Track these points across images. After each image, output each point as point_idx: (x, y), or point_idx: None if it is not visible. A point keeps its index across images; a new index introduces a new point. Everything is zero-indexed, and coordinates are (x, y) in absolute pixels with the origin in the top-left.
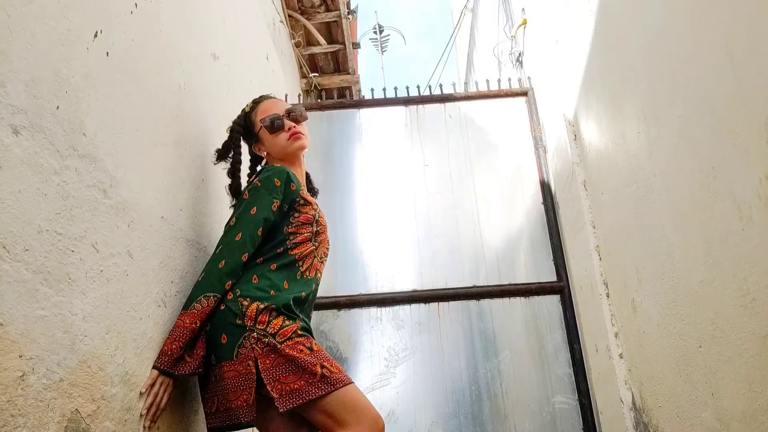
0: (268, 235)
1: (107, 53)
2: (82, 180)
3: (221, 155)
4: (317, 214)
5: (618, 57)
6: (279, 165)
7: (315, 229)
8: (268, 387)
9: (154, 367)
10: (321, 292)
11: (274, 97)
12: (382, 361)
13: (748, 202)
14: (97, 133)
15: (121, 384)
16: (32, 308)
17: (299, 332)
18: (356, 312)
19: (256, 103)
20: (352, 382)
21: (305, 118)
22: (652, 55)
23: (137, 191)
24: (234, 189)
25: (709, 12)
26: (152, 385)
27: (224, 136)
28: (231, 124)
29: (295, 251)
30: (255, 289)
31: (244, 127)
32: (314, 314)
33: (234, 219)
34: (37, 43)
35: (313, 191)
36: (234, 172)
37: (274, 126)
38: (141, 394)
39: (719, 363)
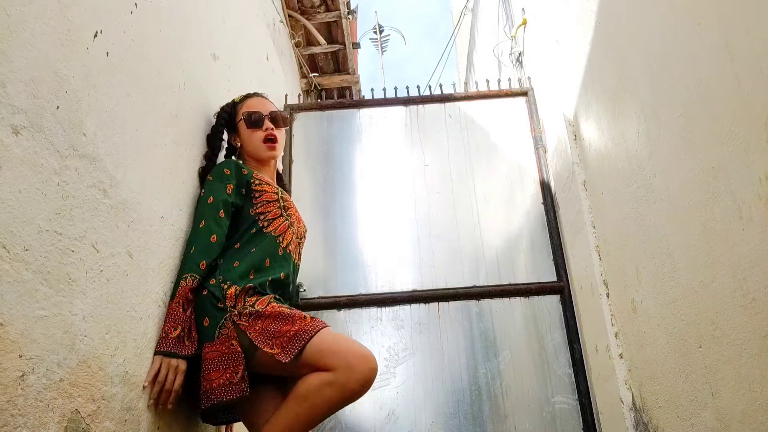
0: (237, 222)
1: (107, 53)
2: (82, 180)
3: (209, 140)
4: (280, 192)
5: (618, 57)
6: (233, 161)
7: (282, 204)
8: (266, 348)
9: (155, 353)
10: (321, 291)
11: (265, 98)
12: (382, 361)
13: (748, 202)
14: (97, 133)
15: (121, 384)
16: (32, 308)
17: (274, 299)
18: (356, 312)
19: (247, 96)
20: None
21: (285, 125)
22: (652, 55)
23: (137, 191)
24: (205, 174)
25: (709, 12)
26: (157, 373)
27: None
28: (219, 109)
29: (270, 228)
30: (236, 273)
31: (229, 114)
32: (314, 314)
33: (196, 213)
34: (37, 43)
35: (284, 188)
36: (210, 157)
37: (252, 121)
38: (143, 388)
39: (719, 363)
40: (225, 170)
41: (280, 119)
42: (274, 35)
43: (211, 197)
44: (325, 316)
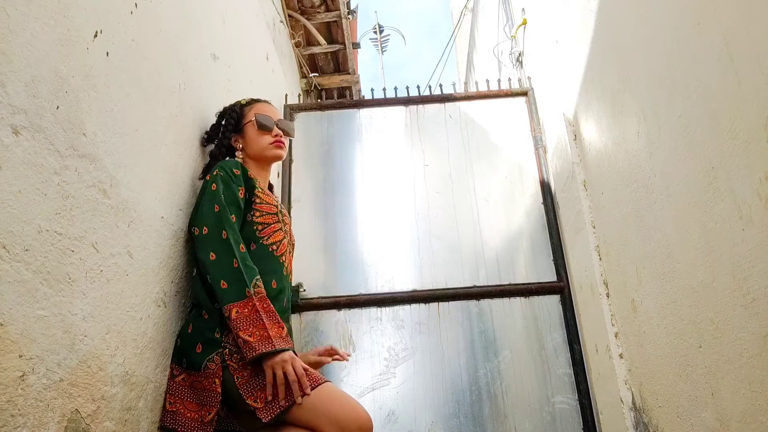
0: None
1: (107, 53)
2: (82, 180)
3: (210, 138)
4: (279, 204)
5: (618, 57)
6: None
7: (281, 218)
8: (249, 400)
9: (283, 350)
10: (321, 291)
11: (272, 105)
12: (382, 361)
13: (748, 202)
14: (97, 133)
15: (121, 384)
16: (32, 308)
17: None
18: (356, 312)
19: (254, 101)
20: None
21: (291, 135)
22: (652, 55)
23: (137, 191)
24: (207, 172)
25: (709, 12)
26: (285, 376)
27: None
28: (222, 109)
29: (270, 240)
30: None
31: (238, 115)
32: (314, 314)
33: (205, 216)
34: (37, 43)
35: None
36: (216, 156)
37: (264, 125)
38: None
39: (719, 363)
40: (234, 170)
41: (286, 127)
42: (274, 35)
43: (223, 198)
44: (325, 316)
